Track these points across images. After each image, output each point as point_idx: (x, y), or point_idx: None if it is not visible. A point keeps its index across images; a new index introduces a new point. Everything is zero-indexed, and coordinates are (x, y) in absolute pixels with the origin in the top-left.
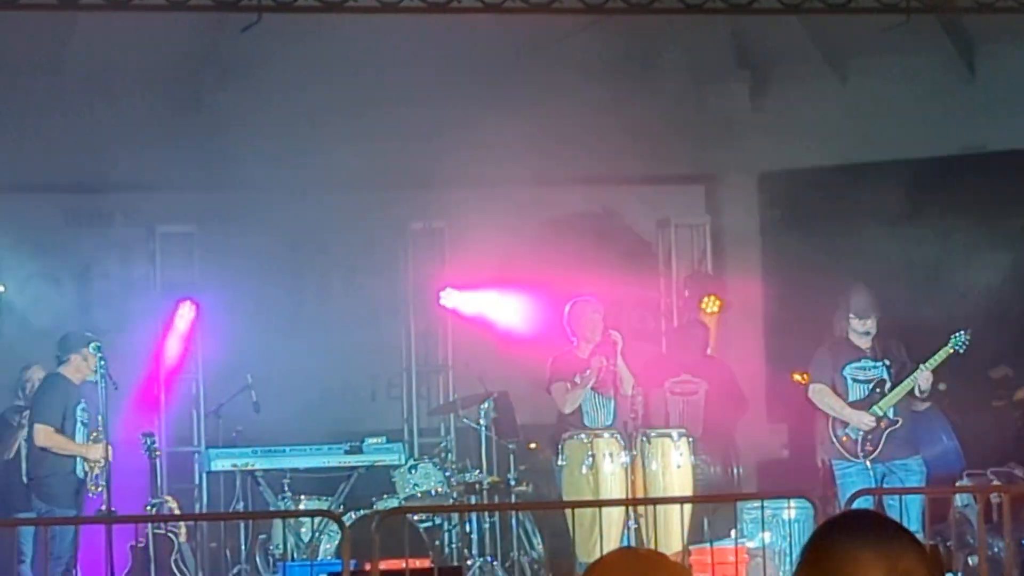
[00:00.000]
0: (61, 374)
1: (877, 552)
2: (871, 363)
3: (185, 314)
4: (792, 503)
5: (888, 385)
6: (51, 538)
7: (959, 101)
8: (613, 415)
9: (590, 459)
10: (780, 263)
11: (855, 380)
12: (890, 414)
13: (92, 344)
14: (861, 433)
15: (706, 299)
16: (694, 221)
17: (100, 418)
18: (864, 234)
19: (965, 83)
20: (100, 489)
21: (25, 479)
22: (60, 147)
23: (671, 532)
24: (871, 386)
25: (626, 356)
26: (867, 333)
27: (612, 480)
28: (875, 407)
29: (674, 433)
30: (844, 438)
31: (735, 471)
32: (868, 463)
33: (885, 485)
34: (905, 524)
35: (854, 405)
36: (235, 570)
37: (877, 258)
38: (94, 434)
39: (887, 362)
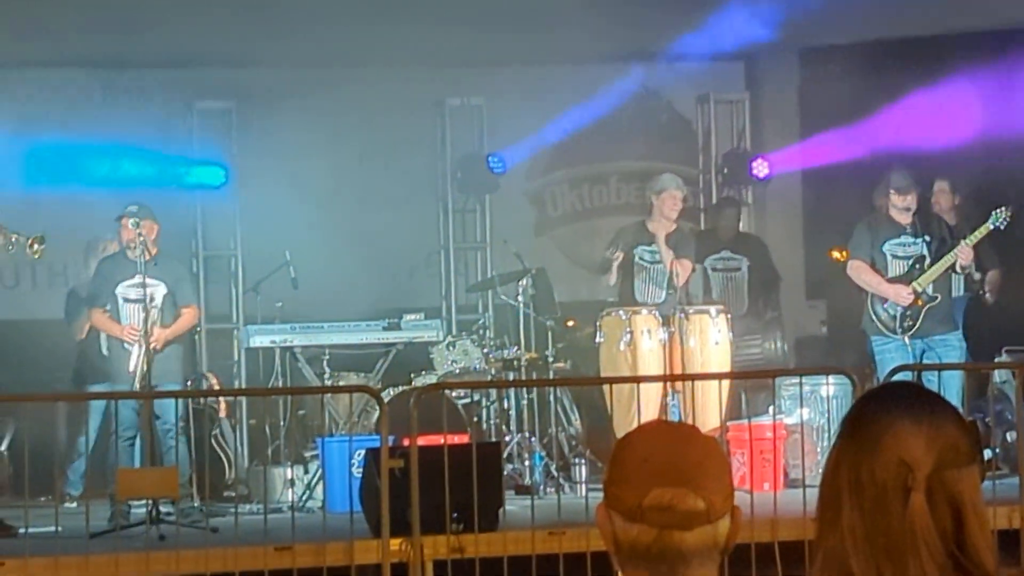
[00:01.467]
0: (113, 252)
1: (918, 423)
2: (911, 239)
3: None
4: (830, 379)
5: (928, 261)
6: (115, 414)
7: None
8: (665, 295)
9: (628, 335)
10: (819, 140)
11: (894, 256)
12: (929, 291)
13: (132, 220)
14: (900, 309)
15: (756, 163)
16: (733, 97)
17: (151, 296)
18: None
19: None
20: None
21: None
22: (98, 21)
23: (709, 408)
24: (911, 262)
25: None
26: (907, 209)
27: (650, 356)
28: (914, 283)
29: (712, 310)
30: (883, 314)
31: (780, 347)
32: (906, 339)
33: (924, 361)
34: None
35: (893, 282)
36: (274, 446)
37: (918, 134)
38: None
39: (927, 238)
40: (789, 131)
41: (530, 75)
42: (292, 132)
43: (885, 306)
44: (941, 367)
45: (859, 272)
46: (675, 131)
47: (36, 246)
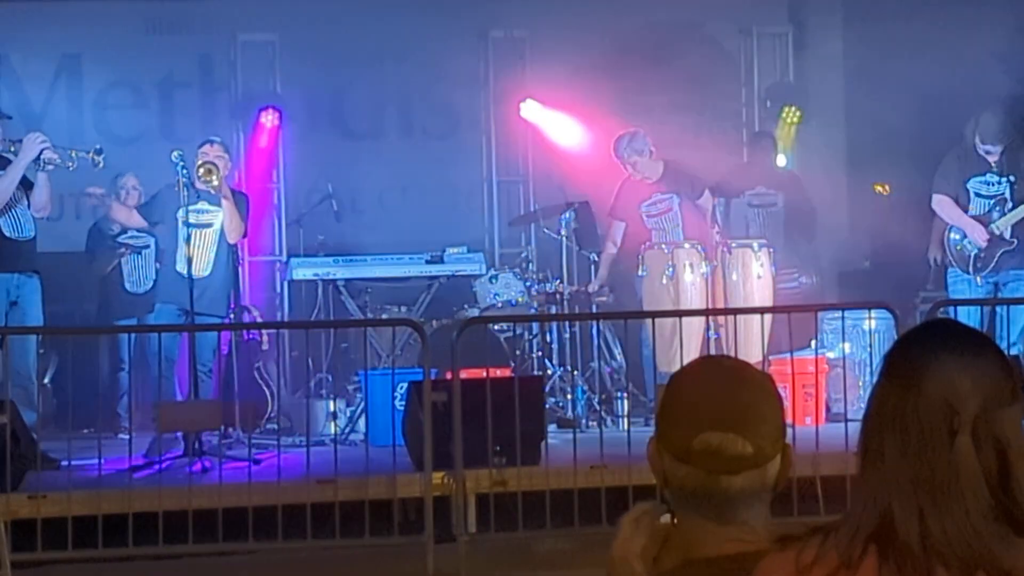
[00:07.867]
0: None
1: (962, 363)
2: (996, 178)
3: (268, 121)
4: (872, 313)
5: (1009, 204)
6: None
7: None
8: (683, 234)
9: (671, 269)
10: (863, 74)
11: (977, 195)
12: (1007, 234)
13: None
14: (975, 249)
15: (787, 109)
16: (776, 30)
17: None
18: (954, 44)
19: None
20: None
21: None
22: None
23: (751, 342)
24: (992, 202)
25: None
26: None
27: (692, 290)
28: (993, 225)
29: (755, 244)
30: (958, 247)
31: (816, 281)
32: (979, 279)
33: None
34: (1008, 335)
35: (973, 220)
36: (316, 378)
37: (965, 69)
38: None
39: (1012, 179)
40: (833, 64)
41: (573, 7)
42: (334, 64)
43: (964, 241)
44: (982, 302)
45: (942, 207)
46: (717, 64)
47: (97, 156)
